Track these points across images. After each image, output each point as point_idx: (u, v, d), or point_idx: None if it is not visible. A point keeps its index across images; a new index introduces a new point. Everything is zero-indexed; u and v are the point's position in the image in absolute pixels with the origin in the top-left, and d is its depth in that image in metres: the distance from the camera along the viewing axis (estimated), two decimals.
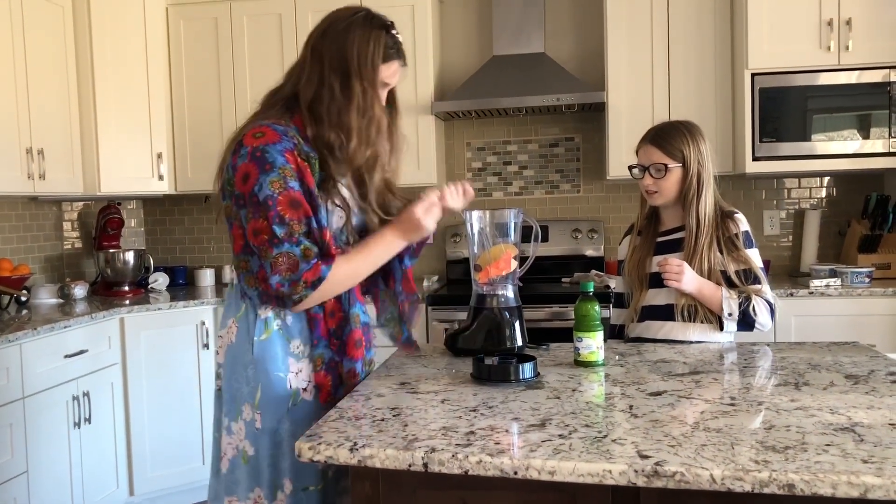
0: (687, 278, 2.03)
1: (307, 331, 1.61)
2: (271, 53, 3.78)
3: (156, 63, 3.81)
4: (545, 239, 3.83)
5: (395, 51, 1.62)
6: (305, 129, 1.57)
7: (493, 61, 3.74)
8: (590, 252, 3.86)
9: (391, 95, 1.70)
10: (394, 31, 1.63)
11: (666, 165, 2.09)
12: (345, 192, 1.64)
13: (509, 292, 1.85)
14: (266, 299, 1.59)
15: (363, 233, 1.69)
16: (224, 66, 3.86)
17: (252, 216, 1.51)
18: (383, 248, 1.63)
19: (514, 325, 1.83)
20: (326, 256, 1.55)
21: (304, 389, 1.61)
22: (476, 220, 1.87)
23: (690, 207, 2.09)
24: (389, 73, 1.61)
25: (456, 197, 1.68)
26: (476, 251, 1.87)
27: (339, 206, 1.60)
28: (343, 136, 1.56)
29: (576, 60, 3.93)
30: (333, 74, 1.56)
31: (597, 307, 1.76)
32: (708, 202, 2.09)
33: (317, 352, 1.61)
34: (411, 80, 3.69)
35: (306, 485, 1.61)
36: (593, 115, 3.91)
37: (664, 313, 2.11)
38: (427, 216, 1.63)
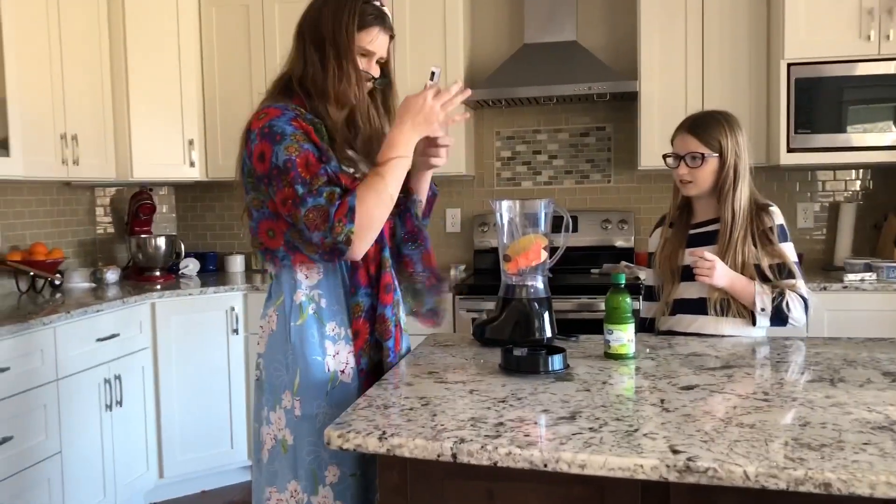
0: (718, 273, 2.00)
1: (343, 302, 1.62)
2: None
3: (188, 49, 3.82)
4: (575, 229, 3.81)
5: (374, 17, 1.63)
6: (304, 105, 1.62)
7: (524, 49, 3.73)
8: (620, 243, 3.84)
9: (385, 68, 1.71)
10: (375, 1, 1.65)
11: (703, 155, 2.07)
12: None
13: (539, 283, 1.84)
14: (316, 271, 1.61)
15: None
16: (255, 53, 3.86)
17: (277, 187, 1.53)
18: (399, 145, 1.58)
19: (543, 316, 1.82)
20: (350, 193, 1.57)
21: (342, 371, 1.62)
22: (505, 210, 1.87)
23: (726, 199, 2.07)
24: (368, 40, 1.63)
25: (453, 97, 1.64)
26: (505, 241, 1.86)
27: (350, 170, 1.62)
28: (326, 106, 1.61)
29: (608, 49, 3.91)
30: (313, 49, 1.62)
31: (628, 299, 1.74)
32: (743, 194, 2.07)
33: (356, 299, 1.62)
34: (439, 65, 3.71)
35: (353, 471, 1.62)
36: (625, 104, 3.87)
37: (696, 307, 2.09)
38: (436, 101, 1.60)
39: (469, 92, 1.68)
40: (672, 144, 2.17)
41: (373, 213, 1.55)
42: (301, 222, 1.52)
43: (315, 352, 1.60)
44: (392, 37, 1.70)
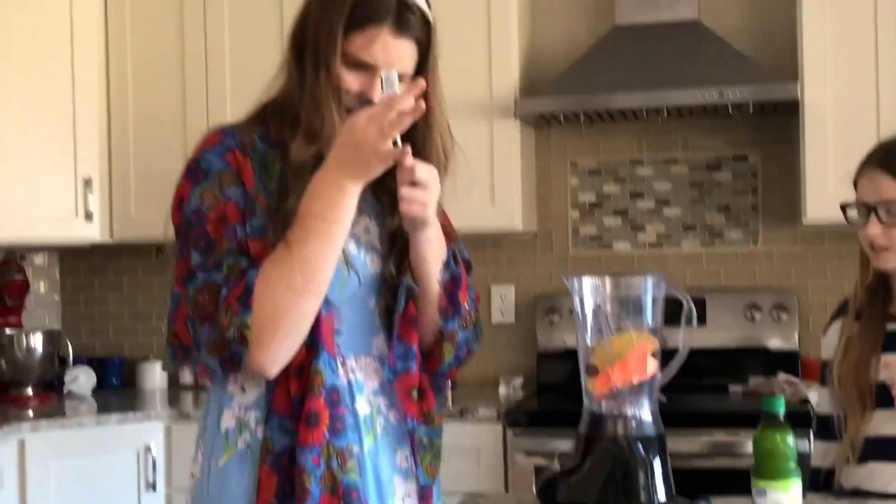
0: None
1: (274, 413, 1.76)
2: (266, 31, 3.79)
3: (85, 48, 3.87)
4: (702, 321, 3.65)
5: (375, 9, 1.74)
6: (274, 139, 1.80)
7: (616, 35, 3.76)
8: (775, 343, 3.80)
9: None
10: None
11: None
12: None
13: (644, 412, 1.84)
14: (255, 381, 1.76)
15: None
16: (192, 51, 3.90)
17: (179, 254, 1.72)
18: (315, 198, 1.69)
19: (651, 467, 1.82)
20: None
21: None
22: (589, 292, 1.86)
23: None
24: (360, 44, 1.74)
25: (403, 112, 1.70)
26: (589, 342, 1.87)
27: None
28: (295, 132, 1.76)
29: (749, 33, 3.89)
30: (293, 57, 1.80)
31: (789, 439, 1.76)
32: None
33: (266, 433, 1.74)
34: (483, 66, 3.73)
35: None
36: (779, 120, 3.85)
37: None
38: (372, 123, 1.67)
39: (422, 107, 1.70)
40: (856, 188, 2.20)
41: (278, 299, 1.65)
42: (191, 308, 1.67)
43: None
44: (420, 42, 1.80)
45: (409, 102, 1.67)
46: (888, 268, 2.16)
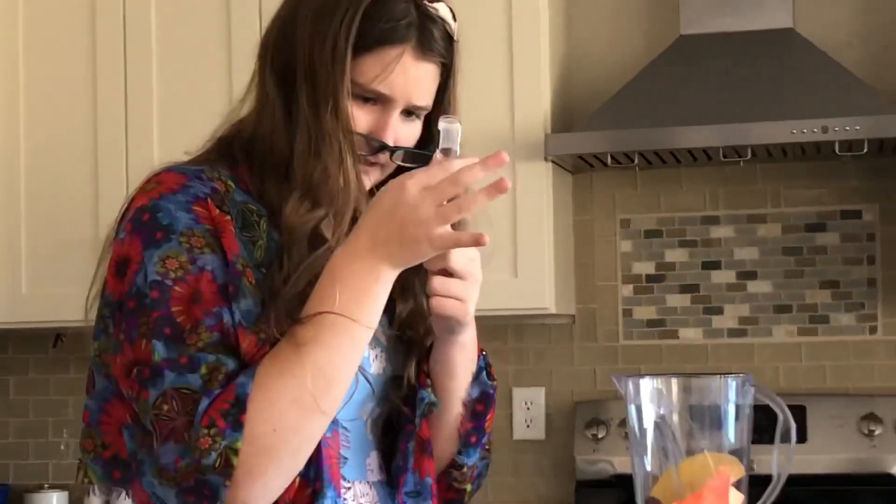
0: None
1: None
2: (209, 32, 3.91)
3: None
4: (802, 437, 3.69)
5: (389, 24, 1.78)
6: (248, 185, 1.82)
7: (680, 48, 3.83)
8: None
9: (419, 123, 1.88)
10: None
11: None
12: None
13: None
14: None
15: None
16: (105, 57, 3.97)
17: (125, 338, 1.68)
18: (337, 284, 1.69)
19: None
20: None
21: None
22: (648, 398, 1.78)
23: None
24: (373, 70, 1.78)
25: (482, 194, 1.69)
26: (649, 468, 1.77)
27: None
28: (283, 188, 1.78)
29: (861, 47, 3.96)
30: (274, 82, 1.81)
31: None
32: None
33: None
34: (504, 91, 3.80)
35: None
36: None
37: None
38: (428, 197, 1.66)
39: (507, 185, 1.68)
40: None
41: (279, 419, 1.65)
42: (147, 417, 1.65)
43: None
44: (445, 64, 1.87)
45: (479, 173, 1.66)
46: None
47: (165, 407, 1.61)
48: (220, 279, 1.67)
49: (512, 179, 3.53)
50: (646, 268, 4.06)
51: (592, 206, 4.09)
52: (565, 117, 3.91)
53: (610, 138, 3.66)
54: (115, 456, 1.73)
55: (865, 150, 3.64)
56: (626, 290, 4.05)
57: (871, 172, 3.92)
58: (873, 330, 3.91)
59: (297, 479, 1.71)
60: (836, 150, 3.66)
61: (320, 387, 1.65)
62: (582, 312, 4.08)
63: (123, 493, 1.78)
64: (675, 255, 4.04)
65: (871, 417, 3.78)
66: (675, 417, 1.74)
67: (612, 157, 3.74)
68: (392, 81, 1.77)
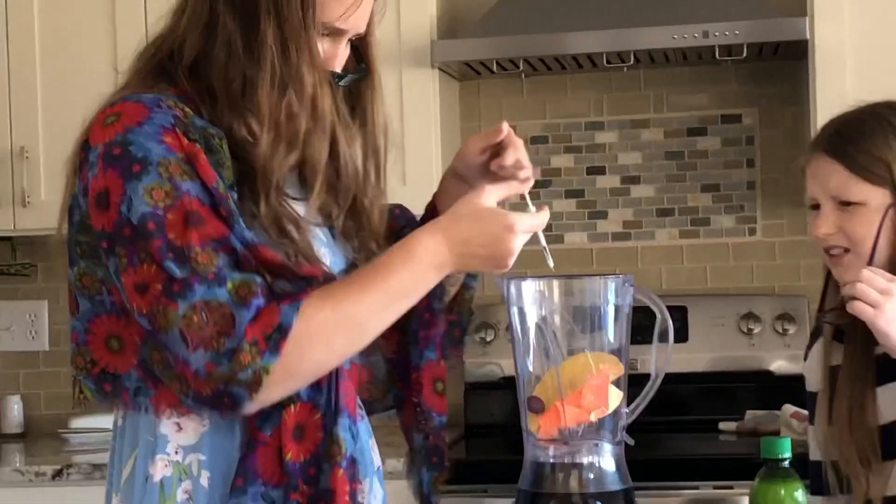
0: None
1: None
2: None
3: None
4: (682, 337, 3.77)
5: None
6: (198, 106, 1.82)
7: None
8: (779, 365, 3.88)
9: (359, 51, 1.93)
10: None
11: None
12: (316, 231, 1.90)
13: (605, 460, 1.87)
14: (197, 419, 1.81)
15: None
16: None
17: (129, 261, 1.71)
18: (429, 260, 1.80)
19: None
20: (283, 295, 1.73)
21: None
22: (530, 300, 1.89)
23: None
24: (340, 7, 1.82)
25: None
26: (531, 369, 1.88)
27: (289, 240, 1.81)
28: (249, 125, 1.79)
29: None
30: (231, 13, 1.80)
31: (798, 493, 1.84)
32: None
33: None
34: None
35: None
36: (782, 68, 3.98)
37: None
38: (520, 226, 1.85)
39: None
40: (804, 177, 2.33)
41: (311, 354, 1.74)
42: (172, 329, 1.67)
43: None
44: None
45: (545, 218, 1.90)
46: (847, 278, 2.20)
47: (196, 318, 1.66)
48: (208, 203, 1.71)
49: (398, 87, 3.83)
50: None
51: (479, 113, 4.12)
52: (451, 24, 3.94)
53: (495, 45, 3.69)
54: (104, 370, 1.80)
55: (745, 55, 3.72)
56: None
57: (750, 77, 4.00)
58: (752, 232, 4.00)
59: (311, 404, 1.81)
60: (717, 55, 3.72)
61: (354, 339, 1.78)
62: None
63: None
64: (561, 161, 4.09)
65: (750, 316, 3.88)
66: (557, 318, 1.85)
67: (498, 64, 3.78)
68: (350, 15, 1.82)
